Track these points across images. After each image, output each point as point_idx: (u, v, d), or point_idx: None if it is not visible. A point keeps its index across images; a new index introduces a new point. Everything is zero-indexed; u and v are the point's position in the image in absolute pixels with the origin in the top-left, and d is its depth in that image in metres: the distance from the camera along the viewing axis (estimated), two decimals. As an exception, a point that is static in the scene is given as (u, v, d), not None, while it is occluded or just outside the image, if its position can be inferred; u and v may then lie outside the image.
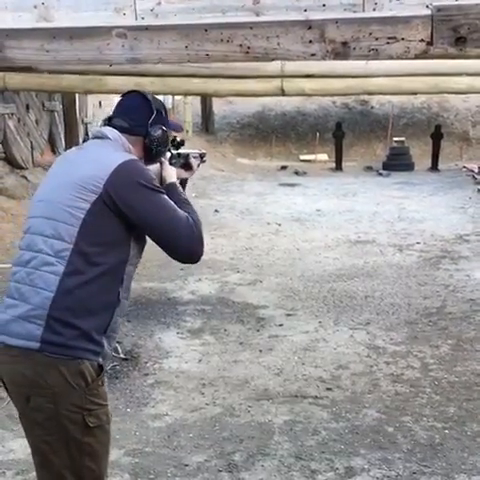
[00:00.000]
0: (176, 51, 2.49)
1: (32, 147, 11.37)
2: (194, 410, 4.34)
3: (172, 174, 2.63)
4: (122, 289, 2.37)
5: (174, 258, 2.42)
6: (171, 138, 2.72)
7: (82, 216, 2.27)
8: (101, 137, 2.48)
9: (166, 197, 2.37)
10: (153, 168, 2.58)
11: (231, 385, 4.69)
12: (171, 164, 2.70)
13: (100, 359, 2.33)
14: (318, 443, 3.91)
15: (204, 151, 3.01)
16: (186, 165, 2.81)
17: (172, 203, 2.37)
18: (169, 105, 16.41)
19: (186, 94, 11.62)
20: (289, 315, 6.16)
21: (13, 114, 10.87)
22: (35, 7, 2.56)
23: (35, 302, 2.26)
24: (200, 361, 5.13)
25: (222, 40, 2.45)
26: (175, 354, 5.25)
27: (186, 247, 2.36)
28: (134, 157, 2.41)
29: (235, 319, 6.05)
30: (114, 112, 2.57)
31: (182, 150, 2.83)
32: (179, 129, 2.84)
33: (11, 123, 10.83)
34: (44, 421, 2.27)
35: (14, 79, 6.49)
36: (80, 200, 2.28)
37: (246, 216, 11.06)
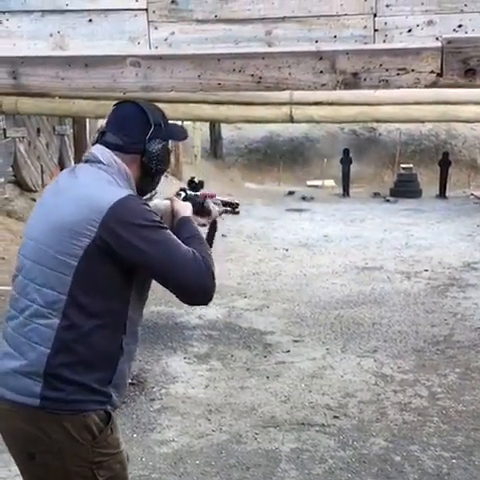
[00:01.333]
0: (189, 80, 2.52)
1: (42, 170, 11.47)
2: (201, 436, 4.32)
3: (185, 209, 2.35)
4: (126, 336, 2.16)
5: (185, 300, 2.15)
6: (189, 179, 2.52)
7: (75, 263, 2.05)
8: (93, 161, 2.21)
9: (169, 233, 2.11)
10: (163, 205, 2.37)
11: (238, 412, 4.68)
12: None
13: (107, 407, 2.16)
14: (325, 471, 3.88)
15: (237, 201, 2.71)
16: (201, 209, 2.52)
17: (176, 240, 2.11)
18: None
19: (196, 120, 11.69)
20: (296, 341, 6.14)
21: (24, 138, 10.98)
22: (51, 35, 2.60)
23: (31, 358, 2.09)
24: (207, 387, 5.11)
25: (234, 70, 2.48)
26: (182, 379, 5.24)
27: (194, 286, 2.08)
28: (130, 193, 2.12)
29: (242, 345, 6.04)
30: (107, 125, 2.28)
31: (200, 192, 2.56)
32: (184, 137, 2.44)
33: (22, 146, 10.93)
34: (51, 478, 2.14)
35: (26, 103, 6.56)
36: (71, 245, 2.05)
37: (253, 241, 11.08)
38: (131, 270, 2.11)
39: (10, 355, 2.15)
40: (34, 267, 2.13)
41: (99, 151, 2.22)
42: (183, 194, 2.51)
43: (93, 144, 2.29)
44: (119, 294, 2.12)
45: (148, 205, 2.17)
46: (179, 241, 2.11)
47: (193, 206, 2.45)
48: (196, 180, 2.57)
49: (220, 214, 2.62)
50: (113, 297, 2.11)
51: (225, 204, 2.67)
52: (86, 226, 2.04)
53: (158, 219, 2.12)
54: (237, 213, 2.70)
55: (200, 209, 2.51)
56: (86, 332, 2.08)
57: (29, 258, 2.17)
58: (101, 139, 2.26)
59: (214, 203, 2.58)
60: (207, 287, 2.13)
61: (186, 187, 2.56)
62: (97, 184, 2.13)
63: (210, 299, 2.16)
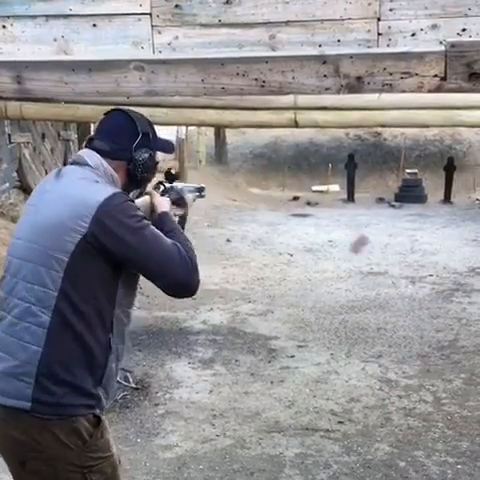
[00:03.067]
0: (192, 84, 2.53)
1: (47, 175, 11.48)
2: (204, 441, 4.31)
3: (164, 203, 2.42)
4: (113, 336, 2.18)
5: (170, 293, 2.20)
6: (165, 170, 2.57)
7: (66, 259, 2.07)
8: (80, 163, 2.25)
9: (153, 229, 2.17)
10: (142, 200, 2.39)
11: (242, 417, 4.66)
12: (165, 196, 2.51)
13: (96, 410, 2.17)
14: (329, 477, 3.87)
15: (203, 185, 2.81)
16: (179, 200, 2.60)
17: (160, 234, 2.17)
18: (182, 135, 16.56)
19: (200, 125, 11.72)
20: (300, 346, 6.13)
21: (29, 143, 11.00)
22: (55, 40, 2.61)
23: (22, 358, 2.09)
24: (211, 392, 5.10)
25: (238, 74, 2.49)
26: (186, 384, 5.23)
27: (180, 278, 2.14)
28: (117, 190, 2.18)
29: (246, 350, 6.03)
30: (95, 132, 2.34)
31: (176, 184, 2.63)
32: (170, 150, 2.51)
33: (27, 152, 10.95)
34: None
35: (30, 109, 6.57)
36: (63, 241, 2.08)
37: (258, 246, 11.07)
38: (119, 267, 2.14)
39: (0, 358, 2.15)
40: (24, 265, 2.15)
41: (86, 154, 2.27)
42: (162, 187, 2.56)
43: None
44: (106, 292, 2.14)
45: (134, 202, 2.24)
46: (164, 236, 2.17)
47: (170, 197, 2.53)
48: (173, 171, 2.61)
49: (193, 201, 2.69)
50: (100, 295, 2.13)
51: (197, 190, 2.75)
52: (78, 222, 2.08)
53: (143, 215, 2.19)
54: (203, 196, 2.79)
55: (177, 199, 2.58)
56: (77, 330, 2.09)
57: (18, 257, 2.19)
58: (89, 145, 2.31)
59: (189, 191, 2.67)
60: (192, 279, 2.17)
61: (163, 179, 2.60)
62: (85, 183, 2.18)
63: (195, 291, 2.20)
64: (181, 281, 2.15)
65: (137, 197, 2.39)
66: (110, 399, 2.29)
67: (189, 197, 2.65)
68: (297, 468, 3.97)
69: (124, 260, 2.13)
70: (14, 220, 10.04)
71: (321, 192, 18.32)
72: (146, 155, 2.29)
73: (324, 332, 6.55)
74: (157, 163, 2.38)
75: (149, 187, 2.50)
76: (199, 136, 18.35)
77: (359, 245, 9.12)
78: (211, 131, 19.10)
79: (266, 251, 10.63)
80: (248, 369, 5.56)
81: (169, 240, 2.17)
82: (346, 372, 5.49)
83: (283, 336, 6.43)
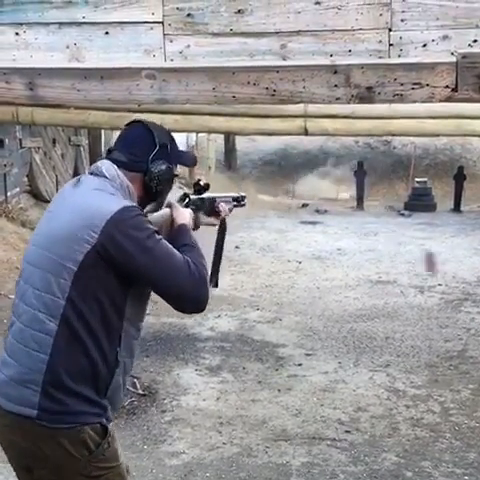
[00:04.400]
0: (204, 92, 2.54)
1: (57, 181, 11.55)
2: (211, 449, 4.30)
3: (184, 215, 2.37)
4: (121, 349, 2.15)
5: (178, 308, 2.18)
6: (195, 181, 2.53)
7: (75, 269, 2.07)
8: (98, 174, 2.24)
9: (164, 243, 2.14)
10: (162, 213, 2.36)
11: (249, 424, 4.66)
12: (193, 210, 2.46)
13: (103, 420, 2.15)
14: (336, 486, 3.86)
15: (242, 194, 2.73)
16: (212, 210, 2.55)
17: (171, 249, 2.14)
18: (192, 142, 16.60)
19: (210, 132, 11.75)
20: (308, 355, 6.12)
21: (40, 148, 11.06)
22: (67, 47, 2.62)
23: (29, 365, 2.09)
24: (218, 399, 5.10)
25: (249, 83, 2.50)
26: (193, 391, 5.23)
27: (187, 295, 2.12)
28: (130, 203, 2.16)
29: (254, 357, 6.03)
30: (115, 144, 2.33)
31: (210, 195, 2.56)
32: (192, 163, 2.50)
33: (37, 157, 11.02)
34: None
35: (42, 114, 6.62)
36: (73, 250, 2.07)
37: (267, 253, 11.07)
38: (127, 280, 2.13)
39: (7, 364, 2.16)
40: (35, 272, 2.15)
41: (104, 165, 2.25)
42: (186, 199, 2.50)
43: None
44: (113, 305, 2.12)
45: (146, 216, 2.21)
46: (175, 250, 2.15)
47: (200, 209, 2.49)
48: (201, 183, 2.55)
49: (230, 211, 2.63)
50: (107, 307, 2.11)
51: (234, 199, 2.68)
52: (88, 232, 2.07)
53: (155, 229, 2.16)
54: (244, 205, 2.72)
55: (210, 211, 2.54)
56: (83, 340, 2.08)
57: (31, 263, 2.19)
58: (108, 155, 2.31)
59: (224, 201, 2.59)
60: (200, 296, 2.15)
61: (189, 192, 2.55)
62: (99, 194, 2.17)
63: (203, 308, 2.17)
64: (189, 298, 2.14)
65: (157, 209, 2.36)
66: (116, 410, 2.28)
67: (223, 207, 2.58)
68: (303, 477, 3.96)
69: (131, 274, 2.12)
70: (24, 225, 10.08)
71: (330, 200, 18.31)
72: (163, 167, 2.26)
73: (332, 340, 6.53)
74: (175, 176, 2.35)
75: (174, 199, 2.47)
76: (209, 143, 18.39)
77: (431, 264, 9.13)
78: (221, 138, 19.14)
79: (275, 258, 10.62)
80: (255, 377, 5.55)
81: (180, 255, 2.14)
82: (354, 381, 5.47)
83: (291, 344, 6.42)
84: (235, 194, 2.71)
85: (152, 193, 2.29)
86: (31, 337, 2.10)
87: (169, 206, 2.39)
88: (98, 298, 2.09)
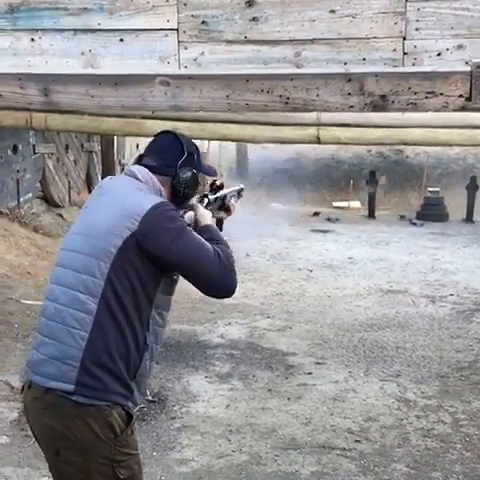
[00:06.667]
0: (217, 100, 2.54)
1: (70, 186, 11.60)
2: (220, 457, 4.29)
3: (206, 216, 2.59)
4: (149, 334, 2.34)
5: (210, 295, 2.40)
6: (210, 182, 2.71)
7: (114, 252, 2.25)
8: (132, 176, 2.46)
9: (194, 235, 2.36)
10: (187, 216, 2.57)
11: (258, 433, 4.64)
12: (210, 209, 2.66)
13: (129, 404, 2.30)
14: (345, 496, 3.83)
15: (242, 186, 2.98)
16: (223, 206, 2.79)
17: (202, 240, 2.35)
18: (204, 149, 16.62)
19: (223, 139, 11.75)
20: (318, 363, 6.10)
21: (53, 154, 11.12)
22: (82, 54, 2.63)
23: (69, 342, 2.23)
24: (227, 407, 5.09)
25: (263, 90, 2.50)
26: (203, 398, 5.22)
27: (218, 282, 2.34)
28: (164, 200, 2.39)
29: (264, 365, 6.01)
30: (145, 151, 2.55)
31: (222, 192, 2.79)
32: (213, 174, 2.74)
33: (50, 163, 11.07)
34: (74, 474, 2.25)
35: (55, 120, 6.64)
36: (113, 236, 2.26)
37: (277, 261, 11.06)
38: (160, 270, 2.32)
39: (44, 343, 2.29)
40: (76, 257, 2.32)
41: (137, 169, 2.47)
42: (206, 200, 2.69)
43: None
44: (145, 290, 2.30)
45: (178, 211, 2.43)
46: (205, 241, 2.37)
47: (215, 207, 2.74)
48: (218, 183, 2.76)
49: (236, 203, 2.86)
50: (140, 291, 2.28)
51: (238, 193, 2.91)
52: (130, 220, 2.26)
53: (187, 222, 2.43)
54: (241, 196, 2.95)
55: (221, 206, 2.78)
56: (119, 320, 2.24)
57: (71, 249, 2.36)
58: (139, 161, 2.52)
59: (232, 196, 2.84)
60: (230, 282, 2.37)
61: (207, 192, 2.75)
62: (138, 192, 2.39)
63: (233, 292, 2.40)
64: (219, 284, 2.35)
65: (184, 213, 2.57)
66: (142, 396, 2.42)
67: (232, 202, 2.83)
68: (313, 486, 3.94)
69: (166, 262, 2.30)
70: (36, 230, 10.13)
71: (342, 208, 18.29)
72: (189, 173, 2.48)
73: (342, 349, 6.51)
74: (199, 184, 2.55)
75: (194, 200, 2.66)
76: (221, 150, 18.42)
77: None
78: (233, 145, 19.17)
79: (285, 266, 10.61)
80: (265, 385, 5.54)
81: (210, 246, 2.35)
82: (364, 391, 5.45)
83: (301, 352, 6.41)
84: (237, 187, 2.94)
85: (179, 196, 2.49)
86: (71, 316, 2.24)
87: (191, 208, 2.60)
88: (132, 282, 2.27)
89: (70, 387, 2.20)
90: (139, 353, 2.31)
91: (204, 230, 2.49)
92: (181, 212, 2.52)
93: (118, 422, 2.24)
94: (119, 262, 2.25)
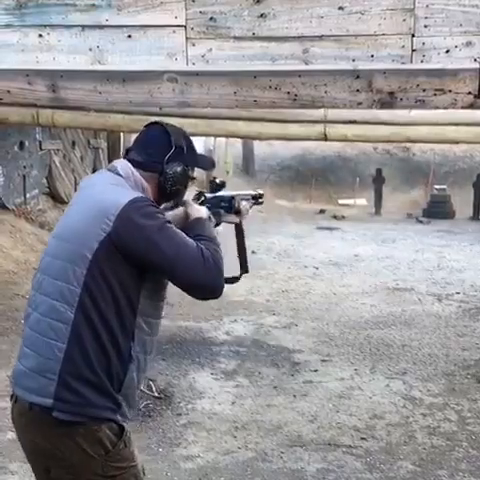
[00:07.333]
0: (225, 96, 2.54)
1: (76, 183, 11.60)
2: (226, 453, 4.29)
3: (200, 211, 2.36)
4: (134, 344, 2.15)
5: (193, 296, 2.19)
6: (210, 179, 2.55)
7: (90, 256, 2.08)
8: (113, 172, 2.27)
9: (177, 231, 2.15)
10: (177, 210, 2.36)
11: (264, 429, 4.64)
12: (209, 208, 2.45)
13: (118, 417, 2.14)
14: (351, 494, 3.83)
15: (260, 191, 2.72)
16: (231, 208, 2.54)
17: (184, 237, 2.15)
18: (211, 146, 16.63)
19: (229, 136, 11.74)
20: (324, 361, 6.09)
21: (59, 150, 11.13)
22: (90, 50, 2.63)
23: (47, 354, 2.10)
24: (233, 403, 5.09)
25: (270, 87, 2.50)
26: (208, 395, 5.22)
27: (202, 282, 2.12)
28: (141, 195, 2.19)
29: (270, 362, 6.01)
30: (132, 144, 2.37)
31: (228, 193, 2.55)
32: (209, 167, 2.51)
33: (57, 159, 11.08)
34: None
35: (62, 117, 6.64)
36: (88, 239, 2.10)
37: (283, 258, 11.06)
38: (140, 272, 2.13)
39: (26, 355, 2.17)
40: (53, 263, 2.17)
41: (120, 164, 2.29)
42: (202, 198, 2.50)
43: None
44: (126, 297, 2.12)
45: (157, 206, 2.23)
46: (187, 239, 2.15)
47: (218, 207, 2.50)
48: (217, 181, 2.55)
49: (250, 208, 2.62)
50: (122, 299, 2.11)
51: (253, 197, 2.66)
52: (104, 220, 2.09)
53: (167, 219, 2.18)
54: (261, 203, 2.71)
55: (229, 208, 2.54)
56: (98, 330, 2.08)
57: (49, 255, 2.22)
58: (125, 155, 2.35)
59: (243, 199, 2.58)
60: (215, 282, 2.15)
61: (204, 190, 2.55)
62: (114, 188, 2.21)
63: (219, 294, 2.17)
64: (202, 284, 2.13)
65: (172, 208, 2.37)
66: (132, 409, 2.24)
67: (243, 205, 2.57)
68: (318, 483, 3.94)
69: (143, 261, 2.11)
70: (42, 226, 10.15)
71: (348, 206, 18.28)
72: (178, 169, 2.28)
73: (348, 347, 6.51)
74: (191, 178, 2.36)
75: (190, 197, 2.47)
76: (227, 147, 18.42)
77: None
78: (239, 142, 19.17)
79: (291, 263, 10.61)
80: (271, 382, 5.54)
81: (192, 243, 2.15)
82: (370, 388, 5.44)
83: (307, 350, 6.40)
84: (253, 192, 2.69)
85: (166, 194, 2.31)
86: (49, 326, 2.10)
87: (183, 204, 2.40)
88: (112, 288, 2.09)
89: (49, 401, 2.07)
90: (123, 365, 2.13)
91: (194, 224, 2.29)
92: (168, 207, 2.36)
93: (109, 437, 2.11)
94: (96, 266, 2.08)
